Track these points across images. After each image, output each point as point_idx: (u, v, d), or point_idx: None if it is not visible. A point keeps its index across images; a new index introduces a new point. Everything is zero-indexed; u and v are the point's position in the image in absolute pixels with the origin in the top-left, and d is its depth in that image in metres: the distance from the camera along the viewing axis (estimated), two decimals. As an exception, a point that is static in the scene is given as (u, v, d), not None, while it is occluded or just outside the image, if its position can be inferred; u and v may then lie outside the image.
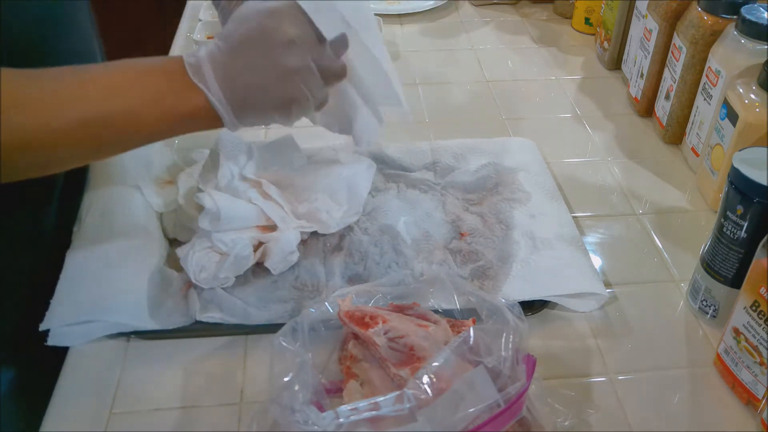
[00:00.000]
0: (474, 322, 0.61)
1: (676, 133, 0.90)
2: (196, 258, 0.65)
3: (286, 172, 0.72)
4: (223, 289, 0.65)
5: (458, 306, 0.64)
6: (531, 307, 0.66)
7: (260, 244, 0.68)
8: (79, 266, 0.66)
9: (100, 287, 0.64)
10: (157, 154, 0.80)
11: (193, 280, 0.65)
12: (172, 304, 0.65)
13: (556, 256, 0.69)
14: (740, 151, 0.60)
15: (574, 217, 0.77)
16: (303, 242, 0.70)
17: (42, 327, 0.60)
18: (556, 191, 0.79)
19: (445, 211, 0.76)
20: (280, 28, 0.52)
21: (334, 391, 0.57)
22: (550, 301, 0.66)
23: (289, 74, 0.53)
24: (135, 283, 0.64)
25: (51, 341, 0.61)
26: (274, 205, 0.69)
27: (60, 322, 0.61)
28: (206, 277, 0.65)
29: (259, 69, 0.52)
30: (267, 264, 0.67)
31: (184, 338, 0.63)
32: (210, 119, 0.53)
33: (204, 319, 0.63)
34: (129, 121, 0.51)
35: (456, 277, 0.66)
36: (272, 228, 0.69)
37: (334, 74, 0.56)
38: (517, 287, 0.66)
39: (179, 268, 0.67)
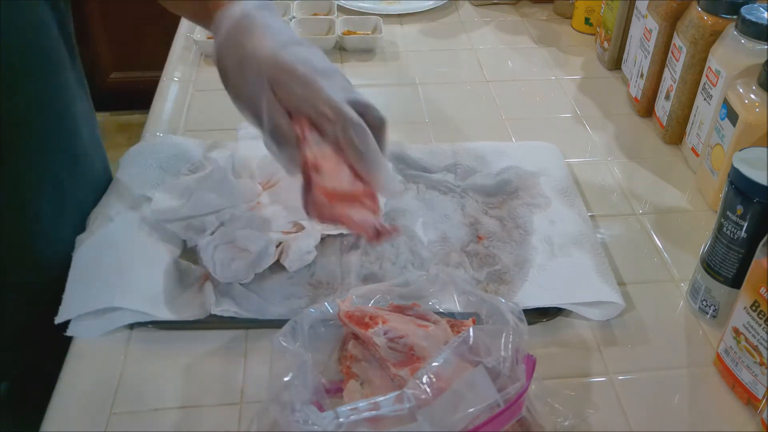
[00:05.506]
0: (474, 322, 0.61)
1: (676, 133, 0.90)
2: (218, 252, 0.65)
3: (288, 181, 0.72)
4: (239, 283, 0.65)
5: (458, 306, 0.64)
6: (546, 314, 0.65)
7: (280, 243, 0.68)
8: (90, 259, 0.66)
9: (114, 277, 0.64)
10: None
11: (213, 274, 0.65)
12: (187, 296, 0.65)
13: (574, 264, 0.68)
14: (740, 151, 0.60)
15: (574, 217, 0.77)
16: (320, 240, 0.70)
17: (58, 320, 0.61)
18: (577, 197, 0.77)
19: (464, 214, 0.75)
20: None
21: (334, 391, 0.57)
22: (564, 309, 0.66)
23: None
24: (149, 273, 0.65)
25: (70, 332, 0.62)
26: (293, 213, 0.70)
27: (75, 313, 0.62)
28: (227, 272, 0.65)
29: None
30: (283, 261, 0.67)
31: (186, 330, 0.63)
32: None
33: (219, 313, 0.63)
34: None
35: (456, 277, 0.66)
36: (295, 231, 0.69)
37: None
38: (532, 293, 0.66)
39: (195, 262, 0.68)
